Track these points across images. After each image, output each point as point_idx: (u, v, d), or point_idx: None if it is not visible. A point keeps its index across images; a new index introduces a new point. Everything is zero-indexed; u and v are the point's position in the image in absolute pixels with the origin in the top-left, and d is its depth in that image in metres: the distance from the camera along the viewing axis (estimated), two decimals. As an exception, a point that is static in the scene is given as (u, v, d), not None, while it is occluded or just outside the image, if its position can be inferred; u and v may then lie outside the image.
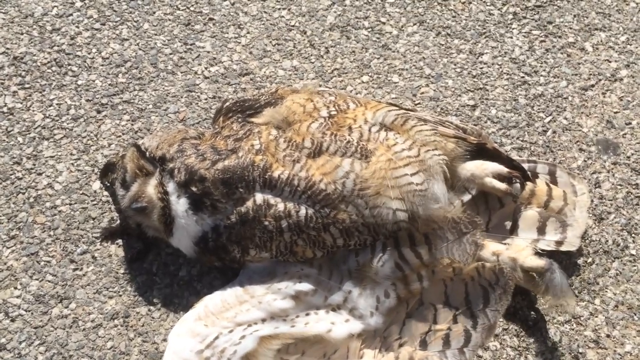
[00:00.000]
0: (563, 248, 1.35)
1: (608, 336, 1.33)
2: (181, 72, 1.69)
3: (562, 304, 1.26)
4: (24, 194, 1.50)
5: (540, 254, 1.28)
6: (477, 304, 1.23)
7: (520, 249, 1.28)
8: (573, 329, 1.34)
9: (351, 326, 1.20)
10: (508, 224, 1.34)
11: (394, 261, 1.22)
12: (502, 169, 1.29)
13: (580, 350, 1.31)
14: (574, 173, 1.47)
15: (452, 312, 1.23)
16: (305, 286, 1.22)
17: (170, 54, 1.73)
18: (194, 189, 1.23)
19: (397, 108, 1.32)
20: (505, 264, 1.24)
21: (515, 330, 1.33)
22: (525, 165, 1.40)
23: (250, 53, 1.73)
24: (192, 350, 1.15)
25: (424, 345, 1.21)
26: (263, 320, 1.19)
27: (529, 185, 1.36)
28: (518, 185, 1.31)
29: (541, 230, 1.35)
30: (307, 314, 1.20)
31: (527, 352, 1.31)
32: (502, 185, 1.28)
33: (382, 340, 1.22)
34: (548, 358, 1.31)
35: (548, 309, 1.34)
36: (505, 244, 1.31)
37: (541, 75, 1.69)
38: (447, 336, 1.21)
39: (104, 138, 1.59)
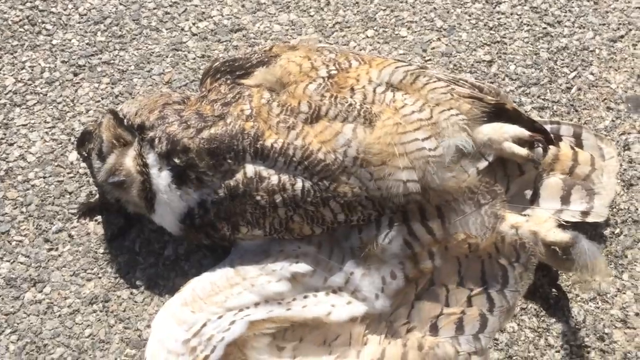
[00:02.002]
0: (590, 219, 1.24)
1: (637, 315, 1.23)
2: (166, 29, 1.58)
3: (595, 280, 1.15)
4: (-7, 166, 1.42)
5: (564, 226, 1.17)
6: (495, 285, 1.12)
7: (542, 221, 1.17)
8: (598, 308, 1.24)
9: (353, 309, 1.10)
10: (528, 193, 1.23)
11: (402, 238, 1.11)
12: (523, 132, 1.17)
13: (607, 330, 1.22)
14: (601, 134, 1.35)
15: (466, 293, 1.13)
16: (303, 267, 1.12)
17: (154, 8, 1.60)
18: (176, 160, 1.13)
19: (405, 64, 1.20)
20: (526, 237, 1.13)
21: (535, 309, 1.24)
22: (548, 127, 1.27)
23: (243, 6, 1.60)
24: (178, 339, 1.06)
25: (434, 330, 1.10)
26: (256, 305, 1.09)
27: (552, 149, 1.24)
28: (540, 149, 1.19)
29: (565, 200, 1.24)
30: (305, 297, 1.11)
31: (547, 334, 1.22)
32: (523, 151, 1.15)
33: (389, 325, 1.12)
34: (570, 340, 1.21)
35: (581, 289, 1.24)
36: (525, 215, 1.20)
37: (565, 26, 1.55)
38: (460, 320, 1.10)
39: (82, 103, 1.49)
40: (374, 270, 1.12)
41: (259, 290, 1.10)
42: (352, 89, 1.13)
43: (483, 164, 1.16)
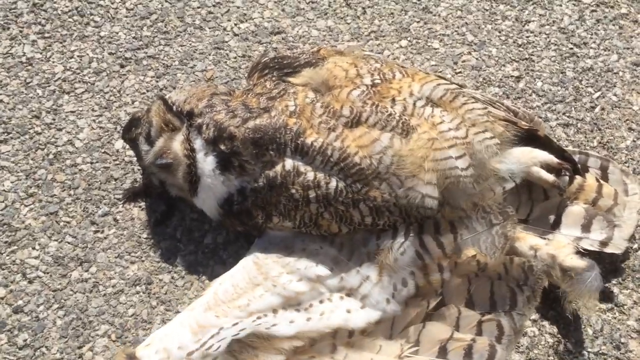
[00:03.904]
0: (608, 250, 1.26)
1: (651, 326, 1.27)
2: (209, 28, 1.61)
3: (583, 306, 1.19)
4: (43, 149, 1.44)
5: (582, 253, 1.21)
6: (503, 306, 1.15)
7: (561, 246, 1.20)
8: (615, 318, 1.28)
9: (368, 314, 1.12)
10: (551, 218, 1.26)
11: (414, 249, 1.14)
12: (552, 158, 1.21)
13: (622, 340, 1.25)
14: (628, 171, 1.37)
15: (477, 317, 1.15)
16: (323, 270, 1.14)
17: (198, 7, 1.64)
18: (222, 147, 1.17)
19: (447, 82, 1.23)
20: (543, 260, 1.17)
21: (555, 316, 1.27)
22: (576, 157, 1.31)
23: (283, 10, 1.64)
24: (182, 347, 1.06)
25: (443, 353, 1.12)
26: (274, 312, 1.11)
27: (577, 179, 1.27)
28: (566, 178, 1.24)
29: (586, 228, 1.26)
30: (321, 301, 1.12)
31: (566, 340, 1.25)
32: (550, 177, 1.20)
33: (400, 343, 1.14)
34: (588, 347, 1.25)
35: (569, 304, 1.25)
36: (545, 238, 1.23)
37: (591, 48, 1.59)
38: (469, 347, 1.12)
39: (127, 94, 1.51)
40: (387, 277, 1.13)
41: (280, 292, 1.12)
42: (394, 100, 1.16)
43: (510, 185, 1.19)
